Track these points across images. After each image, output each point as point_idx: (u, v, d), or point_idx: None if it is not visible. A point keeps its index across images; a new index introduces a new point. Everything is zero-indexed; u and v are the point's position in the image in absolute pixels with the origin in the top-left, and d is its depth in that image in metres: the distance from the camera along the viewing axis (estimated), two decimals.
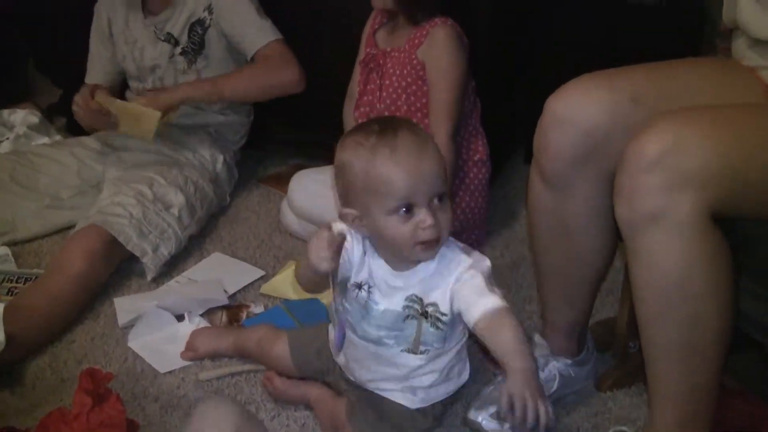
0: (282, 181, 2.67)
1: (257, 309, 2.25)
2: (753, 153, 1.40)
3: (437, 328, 1.65)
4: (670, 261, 1.40)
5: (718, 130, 1.40)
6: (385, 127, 1.58)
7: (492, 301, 1.55)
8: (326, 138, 2.82)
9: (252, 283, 2.39)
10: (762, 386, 1.68)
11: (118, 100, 2.57)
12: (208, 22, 2.64)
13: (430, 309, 1.63)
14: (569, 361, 1.88)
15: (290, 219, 2.58)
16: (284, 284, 2.34)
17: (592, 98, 1.60)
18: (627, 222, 1.45)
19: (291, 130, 3.01)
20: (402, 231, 1.56)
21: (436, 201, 1.56)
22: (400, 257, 1.63)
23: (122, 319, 2.22)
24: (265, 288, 2.36)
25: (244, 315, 2.22)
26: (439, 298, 1.62)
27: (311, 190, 2.47)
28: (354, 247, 1.65)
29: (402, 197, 1.55)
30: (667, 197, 1.38)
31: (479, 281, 1.58)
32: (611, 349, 2.02)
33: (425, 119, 2.37)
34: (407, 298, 1.63)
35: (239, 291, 2.35)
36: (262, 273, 2.44)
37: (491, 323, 1.54)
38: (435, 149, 1.59)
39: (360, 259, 1.66)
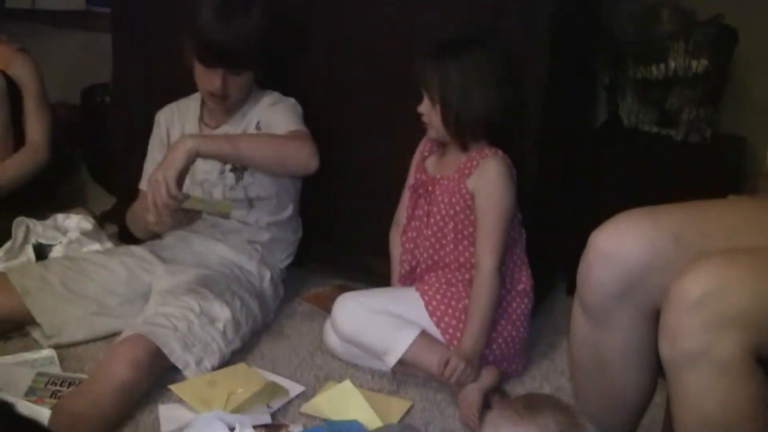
0: (325, 301, 2.68)
1: (296, 429, 2.25)
2: None
3: None
4: (712, 401, 1.41)
5: (760, 272, 1.42)
6: None
7: None
8: (367, 260, 2.87)
9: (291, 402, 2.39)
10: None
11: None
12: None
13: None
14: None
15: (333, 339, 2.57)
16: (325, 404, 2.34)
17: (635, 234, 1.62)
18: (670, 360, 1.45)
19: (333, 251, 3.04)
20: None
21: None
22: None
23: (166, 427, 2.23)
24: (306, 407, 2.35)
25: None
26: None
27: (355, 313, 2.46)
28: None
29: None
30: (710, 337, 1.39)
31: None
32: None
33: (471, 247, 2.41)
34: None
35: (279, 409, 2.34)
36: (302, 388, 2.44)
37: None
38: None
39: None
